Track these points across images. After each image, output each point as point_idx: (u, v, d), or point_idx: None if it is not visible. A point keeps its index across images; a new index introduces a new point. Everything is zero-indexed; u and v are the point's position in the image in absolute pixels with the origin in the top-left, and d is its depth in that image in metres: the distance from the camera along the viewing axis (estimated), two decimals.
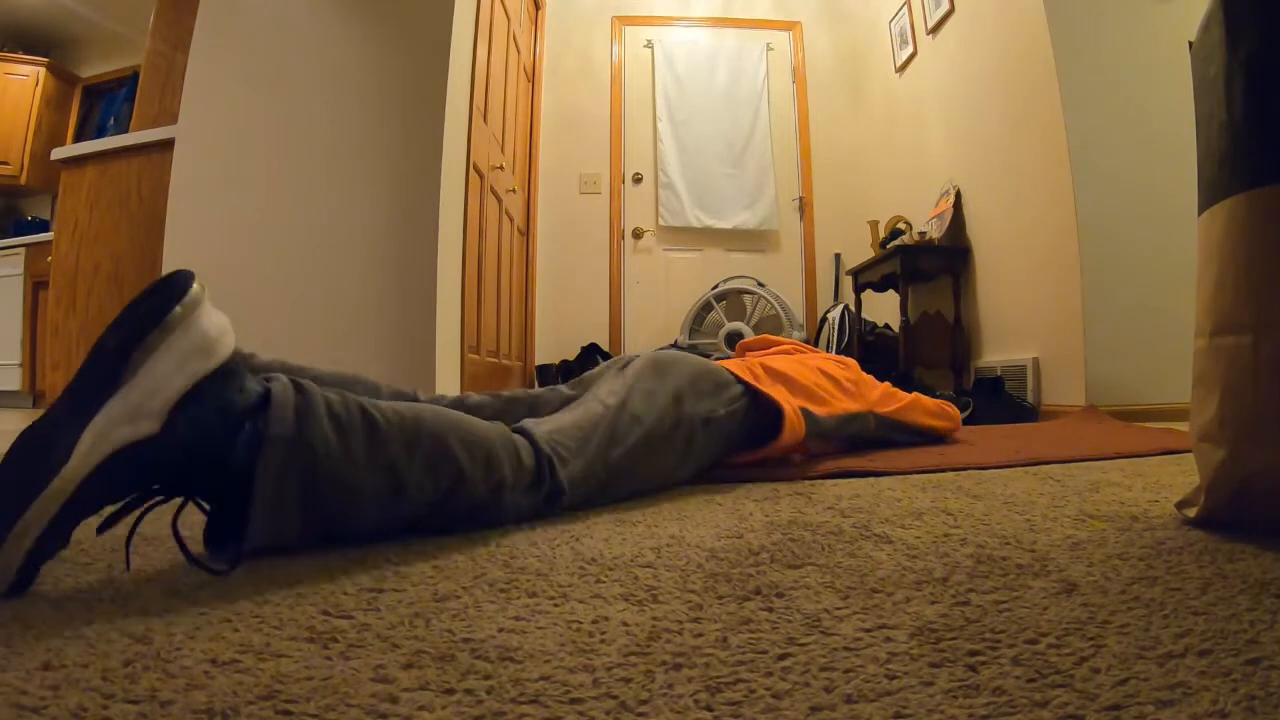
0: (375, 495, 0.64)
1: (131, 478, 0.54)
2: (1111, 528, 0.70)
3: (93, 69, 4.91)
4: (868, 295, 3.54)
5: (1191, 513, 0.70)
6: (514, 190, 3.27)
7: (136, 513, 0.56)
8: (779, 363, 1.21)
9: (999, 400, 2.41)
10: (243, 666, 0.38)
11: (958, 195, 3.02)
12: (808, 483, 1.03)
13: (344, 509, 0.64)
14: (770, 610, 0.47)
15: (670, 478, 0.96)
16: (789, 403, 1.08)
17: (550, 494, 0.78)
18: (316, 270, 2.13)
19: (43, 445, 0.51)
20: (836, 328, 3.53)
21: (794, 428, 1.07)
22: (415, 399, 0.88)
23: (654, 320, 3.94)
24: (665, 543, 0.67)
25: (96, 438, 0.51)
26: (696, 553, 0.63)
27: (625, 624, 0.45)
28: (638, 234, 4.01)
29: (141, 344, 0.53)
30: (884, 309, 3.57)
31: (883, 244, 3.29)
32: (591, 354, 3.67)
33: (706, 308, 3.72)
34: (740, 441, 1.07)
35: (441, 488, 0.68)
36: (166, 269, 2.20)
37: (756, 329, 3.67)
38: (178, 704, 0.33)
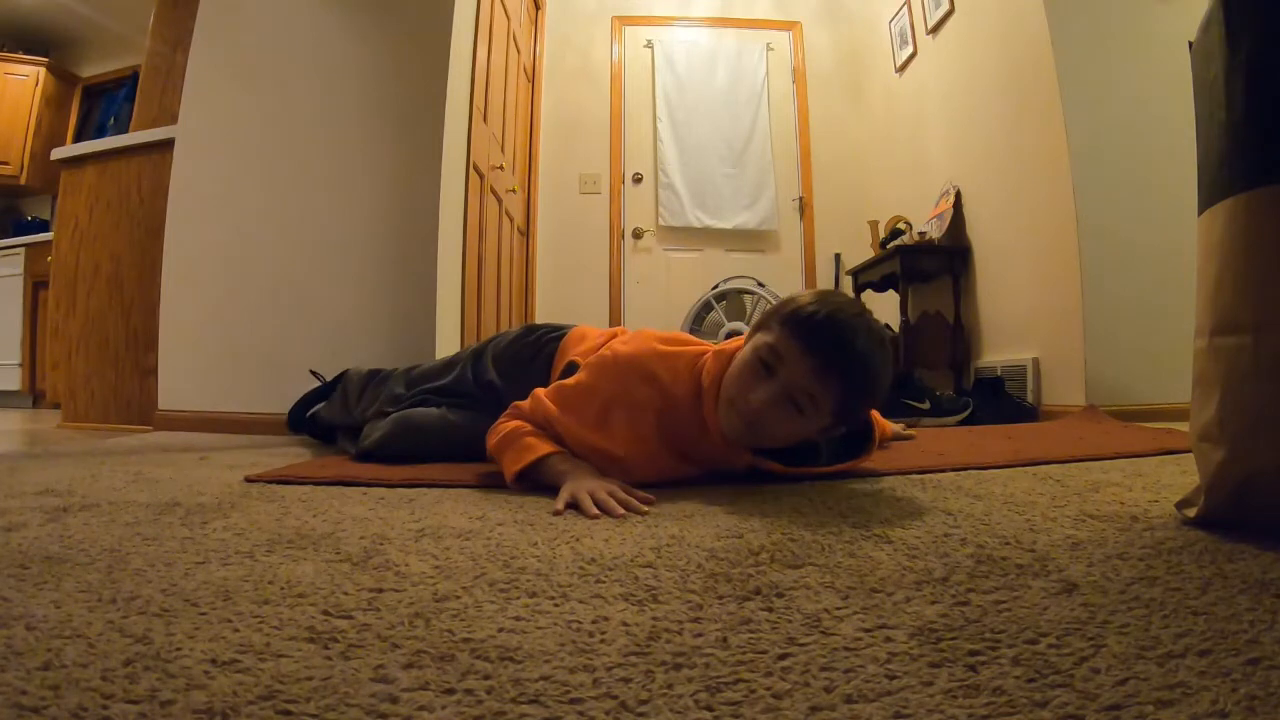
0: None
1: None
2: (1111, 528, 0.70)
3: (93, 69, 4.92)
4: (868, 295, 3.53)
5: (1191, 513, 0.70)
6: (514, 190, 3.26)
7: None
8: None
9: (999, 400, 2.41)
10: (243, 666, 0.38)
11: (958, 195, 3.02)
12: (807, 483, 1.03)
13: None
14: (770, 610, 0.47)
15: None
16: (576, 356, 1.30)
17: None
18: (316, 270, 2.13)
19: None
20: None
21: (562, 360, 1.30)
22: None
23: (654, 320, 3.94)
24: (665, 543, 0.67)
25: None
26: (696, 553, 0.63)
27: (625, 624, 0.45)
28: (638, 234, 4.01)
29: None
30: (884, 309, 3.57)
31: (883, 244, 3.29)
32: None
33: (706, 308, 3.72)
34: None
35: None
36: (166, 269, 2.21)
37: None
38: (178, 704, 0.33)
